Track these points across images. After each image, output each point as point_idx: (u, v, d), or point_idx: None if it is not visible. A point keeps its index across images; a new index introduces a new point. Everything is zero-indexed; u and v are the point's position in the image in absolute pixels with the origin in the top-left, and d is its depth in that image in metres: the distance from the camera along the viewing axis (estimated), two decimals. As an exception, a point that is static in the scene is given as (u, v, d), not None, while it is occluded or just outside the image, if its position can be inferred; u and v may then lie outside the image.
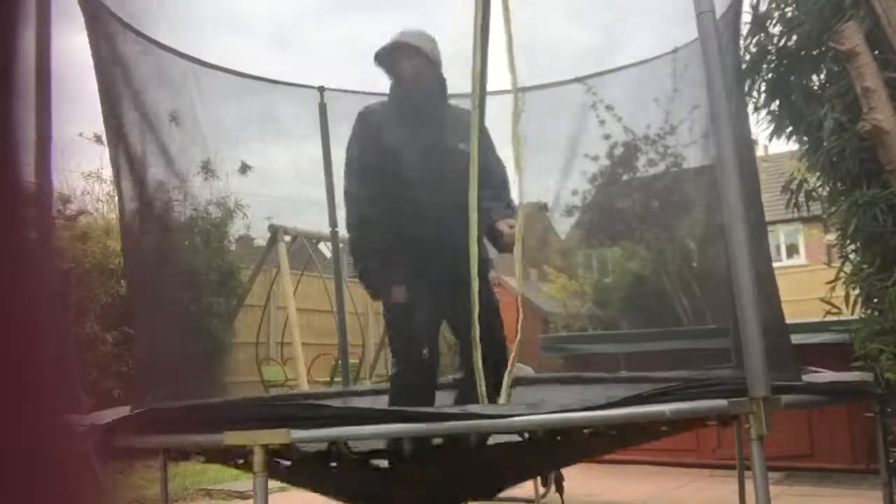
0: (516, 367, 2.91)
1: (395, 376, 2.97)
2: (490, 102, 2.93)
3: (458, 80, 2.93)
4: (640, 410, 2.15)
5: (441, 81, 3.01)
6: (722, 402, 2.07)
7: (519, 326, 2.83)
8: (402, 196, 2.85)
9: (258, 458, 1.96)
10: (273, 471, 2.14)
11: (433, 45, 2.99)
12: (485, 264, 2.84)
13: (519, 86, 2.97)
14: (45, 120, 2.31)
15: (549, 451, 2.64)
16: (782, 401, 2.07)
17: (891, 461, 2.82)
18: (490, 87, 2.82)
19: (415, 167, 2.83)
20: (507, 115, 2.79)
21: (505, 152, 3.13)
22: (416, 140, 2.86)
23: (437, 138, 2.89)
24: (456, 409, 2.34)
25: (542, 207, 5.15)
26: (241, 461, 2.38)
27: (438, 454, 2.34)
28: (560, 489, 3.39)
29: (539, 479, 3.65)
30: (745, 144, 2.92)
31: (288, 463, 2.33)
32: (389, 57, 2.97)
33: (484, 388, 2.66)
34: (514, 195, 3.03)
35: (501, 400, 2.67)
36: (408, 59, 2.94)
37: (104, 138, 3.38)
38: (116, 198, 3.75)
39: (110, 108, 2.95)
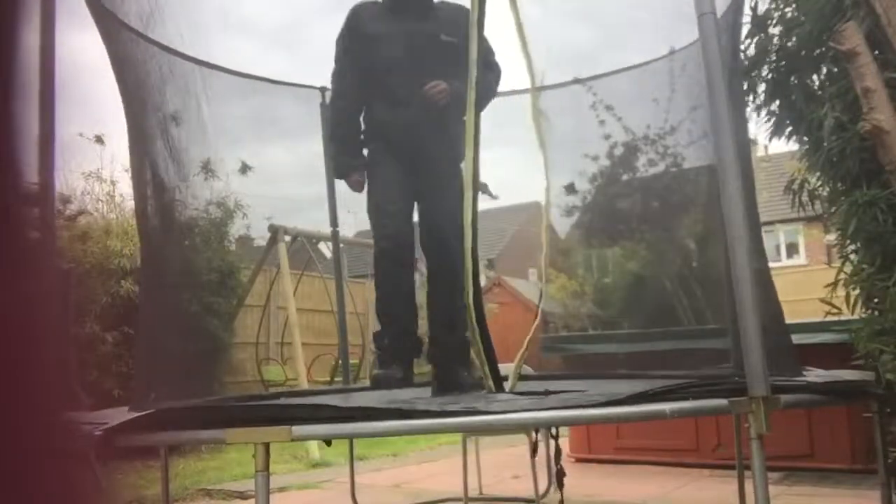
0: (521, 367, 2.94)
1: (375, 257, 3.08)
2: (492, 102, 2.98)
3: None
4: (641, 409, 2.15)
5: None
6: (722, 402, 2.07)
7: (533, 327, 2.90)
8: (380, 82, 3.02)
9: (259, 457, 1.96)
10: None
11: None
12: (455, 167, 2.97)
13: (525, 87, 3.03)
14: (48, 120, 2.31)
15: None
16: (782, 400, 2.07)
17: (889, 461, 2.82)
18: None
19: (395, 54, 2.99)
20: (498, 117, 2.88)
21: (506, 151, 3.16)
22: (399, 30, 3.00)
23: (419, 29, 3.01)
24: (458, 406, 2.35)
25: (570, 188, 5.15)
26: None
27: None
28: (560, 484, 3.40)
29: (531, 446, 3.68)
30: (743, 145, 2.93)
31: None
32: None
33: (490, 375, 2.70)
34: (541, 178, 3.13)
35: (508, 387, 2.71)
36: None
37: (104, 138, 3.40)
38: (133, 199, 3.79)
39: (128, 108, 2.98)
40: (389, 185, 3.06)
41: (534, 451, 3.74)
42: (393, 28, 3.02)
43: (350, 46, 3.15)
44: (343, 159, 3.22)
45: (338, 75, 3.22)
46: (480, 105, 2.89)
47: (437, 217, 3.06)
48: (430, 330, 3.22)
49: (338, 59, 3.21)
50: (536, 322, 3.06)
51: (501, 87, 3.43)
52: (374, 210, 3.13)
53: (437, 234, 3.07)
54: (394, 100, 3.04)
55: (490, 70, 3.12)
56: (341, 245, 5.14)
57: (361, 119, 3.19)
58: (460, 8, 3.06)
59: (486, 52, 3.09)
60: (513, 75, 3.68)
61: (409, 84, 2.99)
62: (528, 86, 3.14)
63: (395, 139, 3.05)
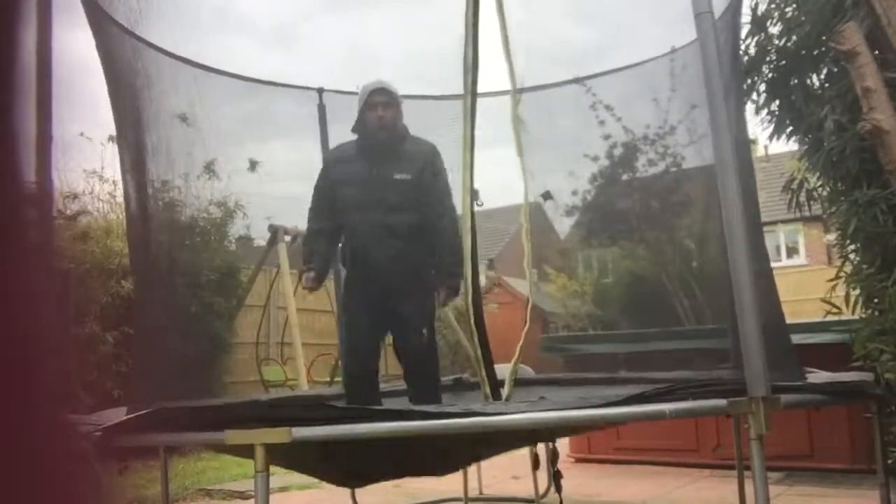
0: (518, 368, 2.96)
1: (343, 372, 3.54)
2: (484, 103, 3.03)
3: (451, 75, 3.18)
4: (641, 410, 2.15)
5: (399, 130, 3.45)
6: (722, 402, 2.07)
7: (523, 332, 2.94)
8: (346, 218, 3.43)
9: (259, 458, 1.96)
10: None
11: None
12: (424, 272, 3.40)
13: (514, 86, 3.07)
14: (45, 119, 2.31)
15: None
16: (782, 401, 2.07)
17: (889, 461, 2.82)
18: (482, 88, 2.98)
19: (353, 195, 3.39)
20: (498, 117, 2.94)
21: (505, 151, 3.19)
22: (358, 173, 3.39)
23: (376, 171, 3.37)
24: (457, 408, 2.35)
25: (546, 195, 5.15)
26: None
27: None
28: (558, 487, 3.40)
29: (532, 457, 3.71)
30: (743, 145, 2.93)
31: None
32: (368, 99, 3.38)
33: (487, 383, 2.73)
34: (518, 193, 3.24)
35: (504, 395, 2.73)
36: (382, 108, 3.36)
37: (111, 137, 3.42)
38: (123, 198, 3.82)
39: (118, 109, 2.97)
40: (359, 317, 3.44)
41: (535, 463, 3.76)
42: (352, 170, 3.41)
43: (321, 185, 3.55)
44: (308, 267, 3.55)
45: (314, 204, 3.59)
46: (435, 228, 3.32)
47: (406, 337, 3.39)
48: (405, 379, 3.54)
49: (314, 191, 3.60)
50: (526, 328, 3.14)
51: (501, 87, 3.46)
52: (345, 338, 3.63)
53: (404, 349, 3.42)
54: (355, 234, 3.43)
55: (443, 216, 3.40)
56: (341, 245, 5.14)
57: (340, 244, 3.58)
58: (423, 143, 3.48)
59: (442, 194, 3.40)
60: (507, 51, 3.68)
61: (366, 221, 3.36)
62: (528, 87, 3.18)
63: (361, 270, 3.42)
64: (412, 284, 3.34)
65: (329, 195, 3.48)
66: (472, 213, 2.98)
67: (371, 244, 3.34)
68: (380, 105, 3.36)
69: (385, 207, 3.33)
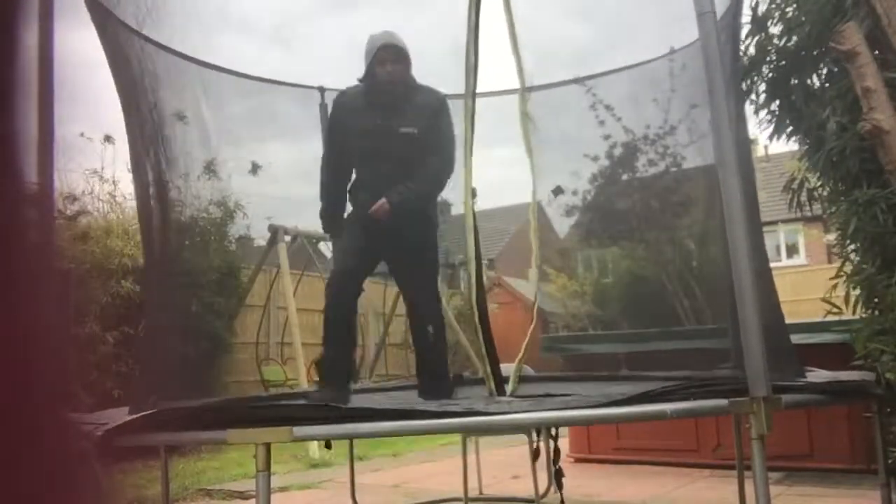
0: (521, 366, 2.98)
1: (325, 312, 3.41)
2: (484, 103, 3.05)
3: (452, 73, 3.23)
4: (641, 409, 2.15)
5: (408, 83, 3.43)
6: (722, 402, 2.07)
7: (530, 330, 2.97)
8: (352, 166, 3.51)
9: (260, 457, 1.96)
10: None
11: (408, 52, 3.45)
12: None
13: (523, 84, 3.08)
14: (47, 119, 2.31)
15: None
16: (783, 401, 2.07)
17: (889, 461, 2.81)
18: (482, 87, 3.01)
19: (360, 145, 3.42)
20: (498, 117, 2.96)
21: (507, 150, 3.19)
22: (365, 124, 3.38)
23: (381, 123, 3.36)
24: (459, 407, 2.35)
25: (557, 190, 5.16)
26: None
27: None
28: (560, 486, 3.40)
29: (533, 451, 3.71)
30: (743, 145, 2.93)
31: None
32: (377, 54, 3.36)
33: (491, 378, 2.76)
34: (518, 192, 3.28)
35: (508, 391, 2.74)
36: (391, 63, 3.34)
37: (108, 138, 3.43)
38: (134, 197, 3.84)
39: (126, 109, 2.99)
40: (348, 259, 3.47)
41: (535, 456, 3.76)
42: (360, 121, 3.41)
43: (330, 133, 3.63)
44: (328, 221, 3.61)
45: (325, 152, 3.66)
46: (427, 191, 3.39)
47: (409, 286, 3.50)
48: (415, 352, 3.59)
49: (323, 140, 3.69)
50: (533, 325, 3.14)
51: (502, 87, 3.47)
52: (331, 276, 3.63)
53: (410, 299, 3.51)
54: (362, 184, 3.47)
55: (436, 154, 3.41)
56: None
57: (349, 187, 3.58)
58: (430, 94, 3.45)
59: (439, 138, 3.41)
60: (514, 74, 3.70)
61: (373, 172, 3.42)
62: (527, 86, 3.19)
63: (363, 218, 3.41)
64: (412, 234, 3.36)
65: (338, 143, 3.52)
66: (473, 213, 2.99)
67: (374, 196, 3.34)
68: (388, 61, 3.35)
69: (389, 160, 3.34)
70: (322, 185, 3.62)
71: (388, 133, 3.34)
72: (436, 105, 3.42)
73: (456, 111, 3.32)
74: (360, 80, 3.48)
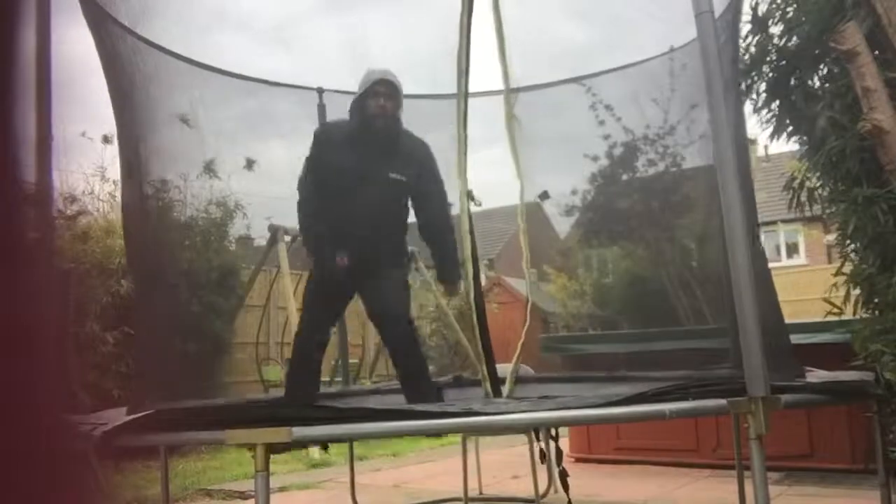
0: (519, 367, 2.98)
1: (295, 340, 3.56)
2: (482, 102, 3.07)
3: (445, 76, 3.26)
4: (640, 409, 2.15)
5: (397, 123, 3.38)
6: (721, 402, 2.07)
7: (524, 330, 2.98)
8: (334, 203, 3.36)
9: (259, 457, 1.96)
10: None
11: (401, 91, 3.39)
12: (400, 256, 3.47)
13: (512, 86, 3.11)
14: (45, 119, 2.31)
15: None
16: (782, 401, 2.07)
17: (891, 458, 2.81)
18: (481, 87, 3.04)
19: (345, 185, 3.32)
20: (493, 116, 3.01)
21: (505, 151, 3.20)
22: (353, 164, 3.30)
23: (371, 165, 3.30)
24: (456, 407, 2.35)
25: (544, 195, 5.17)
26: None
27: None
28: (565, 486, 3.40)
29: (539, 452, 3.72)
30: (742, 145, 2.93)
31: None
32: (372, 86, 3.32)
33: (488, 380, 2.77)
34: (515, 192, 3.31)
35: (505, 392, 2.75)
36: (384, 98, 3.30)
37: (107, 138, 3.43)
38: (120, 198, 3.82)
39: (118, 109, 2.98)
40: (315, 316, 3.49)
41: (542, 457, 3.76)
42: (348, 160, 3.30)
43: (312, 168, 3.47)
44: (319, 255, 3.48)
45: (302, 185, 3.52)
46: (437, 231, 3.34)
47: (377, 311, 3.42)
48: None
49: (302, 176, 3.51)
50: (526, 326, 3.17)
51: (501, 87, 3.47)
52: (299, 329, 3.62)
53: (377, 324, 3.50)
54: (331, 236, 3.36)
55: (430, 199, 3.41)
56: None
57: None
58: (417, 141, 3.41)
59: (429, 181, 3.37)
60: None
61: (347, 219, 3.30)
62: (527, 86, 3.21)
63: (328, 280, 3.36)
64: (386, 276, 3.32)
65: (319, 181, 3.41)
66: (470, 214, 3.01)
67: (340, 252, 3.29)
68: (383, 95, 3.31)
69: (370, 205, 3.28)
70: (302, 219, 3.54)
71: (375, 177, 3.28)
72: (423, 154, 3.39)
73: (450, 111, 3.32)
74: (350, 113, 3.42)
